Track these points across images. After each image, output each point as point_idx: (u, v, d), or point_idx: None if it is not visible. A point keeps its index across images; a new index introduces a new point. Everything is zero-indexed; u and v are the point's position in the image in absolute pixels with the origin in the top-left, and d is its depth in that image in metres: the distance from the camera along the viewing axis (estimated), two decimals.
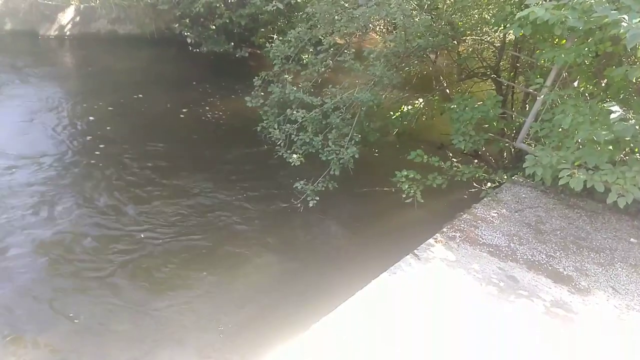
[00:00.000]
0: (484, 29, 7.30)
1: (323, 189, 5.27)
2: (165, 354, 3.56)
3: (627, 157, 3.89)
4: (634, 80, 4.15)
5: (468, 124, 5.32)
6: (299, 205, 5.25)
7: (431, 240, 4.03)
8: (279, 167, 5.84)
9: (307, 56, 6.37)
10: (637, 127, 3.41)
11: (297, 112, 5.53)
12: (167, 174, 5.78)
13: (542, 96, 4.70)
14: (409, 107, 7.04)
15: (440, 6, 6.65)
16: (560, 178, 3.64)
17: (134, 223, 4.83)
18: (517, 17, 4.05)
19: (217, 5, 9.28)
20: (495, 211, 4.68)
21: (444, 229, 4.24)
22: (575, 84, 4.96)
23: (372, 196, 5.76)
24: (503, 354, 2.99)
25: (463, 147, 5.39)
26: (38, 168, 5.46)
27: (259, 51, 9.75)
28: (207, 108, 7.80)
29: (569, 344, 3.15)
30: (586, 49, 4.05)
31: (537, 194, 5.14)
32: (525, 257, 4.00)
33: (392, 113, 6.95)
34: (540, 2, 3.88)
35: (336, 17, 5.99)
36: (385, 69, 5.61)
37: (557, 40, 4.91)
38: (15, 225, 4.54)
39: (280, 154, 5.66)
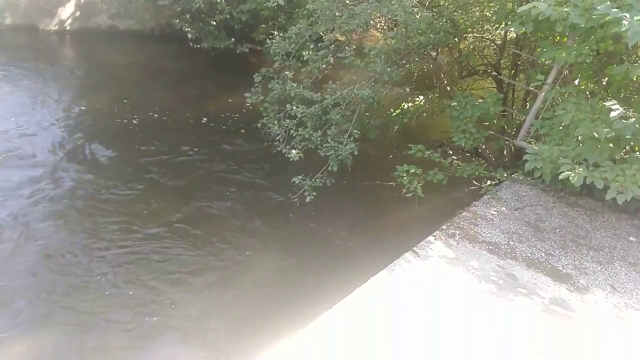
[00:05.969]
0: (485, 27, 7.28)
1: (321, 184, 5.26)
2: (165, 350, 3.57)
3: (627, 155, 3.89)
4: (635, 79, 4.14)
5: (468, 121, 5.32)
6: (295, 200, 5.23)
7: (431, 238, 4.03)
8: (278, 164, 5.83)
9: (307, 53, 6.33)
10: (637, 125, 3.41)
11: (297, 107, 5.51)
12: (165, 170, 5.77)
13: (542, 94, 4.69)
14: (410, 104, 7.02)
15: (441, 3, 6.63)
16: (561, 173, 3.64)
17: (131, 220, 4.82)
18: (519, 11, 4.03)
19: (218, 1, 9.25)
20: (494, 209, 4.68)
21: (444, 227, 4.24)
22: (576, 82, 4.95)
23: (371, 193, 5.76)
24: (502, 351, 2.99)
25: (463, 144, 5.38)
26: (36, 162, 5.46)
27: (259, 47, 9.71)
28: (207, 104, 7.78)
29: (567, 341, 3.15)
30: (587, 47, 4.04)
31: (537, 192, 5.14)
32: (524, 255, 4.00)
33: (392, 110, 6.93)
34: None
35: (337, 13, 5.96)
36: (385, 66, 5.59)
37: (558, 38, 4.89)
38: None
39: (279, 149, 5.64)
